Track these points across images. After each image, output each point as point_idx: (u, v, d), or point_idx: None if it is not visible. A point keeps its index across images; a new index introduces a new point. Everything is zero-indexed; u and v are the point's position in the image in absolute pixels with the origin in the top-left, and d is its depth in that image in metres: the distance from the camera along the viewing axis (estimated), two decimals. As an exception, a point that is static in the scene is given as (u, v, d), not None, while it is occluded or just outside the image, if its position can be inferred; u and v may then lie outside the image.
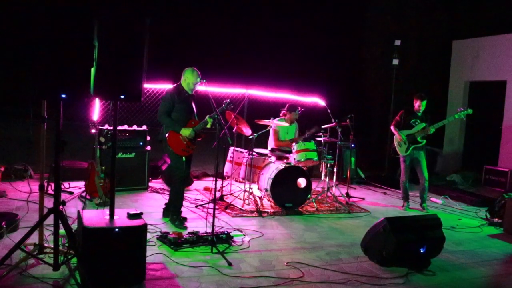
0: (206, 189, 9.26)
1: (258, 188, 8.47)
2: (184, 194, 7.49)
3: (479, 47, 12.54)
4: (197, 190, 9.19)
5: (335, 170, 8.91)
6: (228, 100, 6.83)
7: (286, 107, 9.09)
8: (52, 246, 4.75)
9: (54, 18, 4.24)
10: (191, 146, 6.67)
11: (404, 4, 14.77)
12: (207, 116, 6.64)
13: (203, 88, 6.72)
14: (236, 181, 9.30)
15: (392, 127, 8.72)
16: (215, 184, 6.03)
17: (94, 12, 4.39)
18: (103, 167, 7.56)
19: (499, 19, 13.17)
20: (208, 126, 6.68)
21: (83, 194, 7.81)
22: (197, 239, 5.83)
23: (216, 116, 6.30)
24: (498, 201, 8.20)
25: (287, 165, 8.01)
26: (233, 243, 6.03)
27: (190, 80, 6.66)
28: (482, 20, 13.75)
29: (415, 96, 8.56)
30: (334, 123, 8.77)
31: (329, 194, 8.74)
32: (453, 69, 13.42)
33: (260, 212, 7.68)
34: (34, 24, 4.28)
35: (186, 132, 6.56)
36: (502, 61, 11.85)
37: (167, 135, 6.57)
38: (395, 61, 11.86)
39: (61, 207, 4.55)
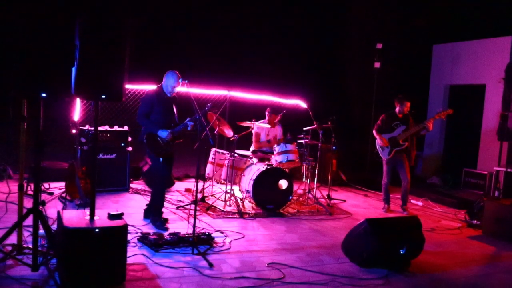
0: (187, 190, 9.24)
1: (240, 190, 8.48)
2: (166, 196, 7.47)
3: (459, 52, 12.68)
4: (179, 191, 9.16)
5: (316, 172, 8.94)
6: (211, 103, 6.85)
7: (268, 109, 9.13)
8: (31, 246, 4.71)
9: (36, 16, 4.21)
10: (169, 148, 6.65)
11: (385, 8, 14.88)
12: (188, 118, 6.64)
13: (184, 89, 6.70)
14: (218, 182, 9.29)
15: (374, 132, 8.76)
16: (197, 186, 6.02)
17: (76, 11, 4.37)
18: (84, 168, 7.50)
19: (478, 25, 13.32)
20: (189, 128, 6.67)
21: (64, 195, 7.75)
22: (178, 240, 5.81)
23: (197, 117, 6.28)
24: (477, 203, 8.30)
25: (268, 167, 8.03)
26: (214, 244, 6.03)
27: (169, 83, 6.68)
28: (462, 25, 13.89)
29: (397, 99, 8.60)
30: (315, 125, 8.81)
31: (310, 196, 8.77)
32: (433, 73, 13.54)
33: (241, 214, 7.68)
34: (15, 22, 4.24)
35: (163, 133, 6.55)
36: (481, 66, 11.98)
37: (145, 136, 6.57)
38: (376, 64, 11.95)
39: (40, 207, 4.52)
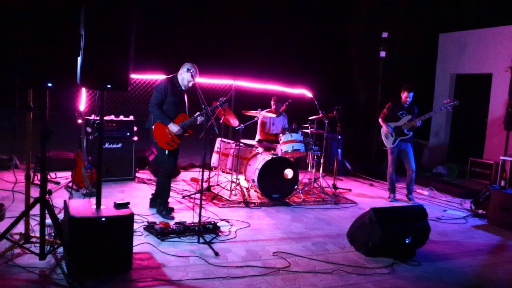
0: (193, 179, 9.26)
1: (245, 179, 8.49)
2: (172, 185, 7.48)
3: (465, 41, 12.61)
4: (184, 181, 9.18)
5: (322, 161, 8.94)
6: (223, 98, 6.81)
7: (274, 98, 9.12)
8: (38, 235, 4.74)
9: (40, 5, 4.21)
10: (176, 141, 6.60)
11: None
12: (198, 113, 6.59)
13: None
14: (223, 172, 9.29)
15: (380, 120, 8.74)
16: (202, 175, 6.03)
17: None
18: (90, 157, 7.53)
19: (485, 13, 13.24)
20: (198, 122, 6.62)
21: (70, 185, 7.78)
22: (184, 229, 5.83)
23: (204, 106, 6.25)
24: (483, 193, 8.28)
25: (274, 156, 8.03)
26: (220, 234, 6.05)
27: (186, 76, 6.58)
28: (469, 14, 13.82)
29: (403, 87, 8.59)
30: (321, 115, 8.79)
31: (315, 185, 8.78)
32: (440, 62, 13.47)
33: (247, 203, 7.69)
34: (20, 11, 4.24)
35: (174, 128, 6.49)
36: (487, 54, 11.92)
37: (153, 126, 6.52)
38: (382, 54, 11.89)
39: (47, 196, 4.54)
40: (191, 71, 6.51)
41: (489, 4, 13.32)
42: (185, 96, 6.78)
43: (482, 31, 12.17)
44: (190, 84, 6.65)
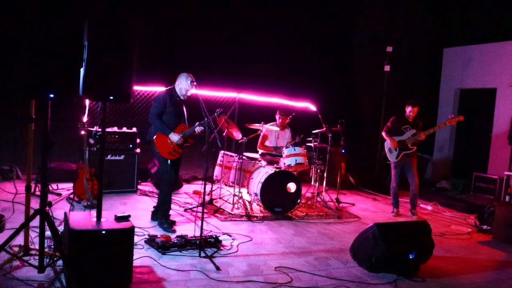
0: (195, 192, 9.21)
1: (248, 192, 8.44)
2: (174, 198, 7.43)
3: (470, 55, 12.58)
4: (187, 194, 9.13)
5: (325, 175, 8.89)
6: (220, 109, 6.80)
7: (278, 111, 9.08)
8: (37, 248, 4.69)
9: (44, 16, 4.20)
10: (177, 150, 6.60)
11: (396, 11, 14.83)
12: (197, 123, 6.61)
13: (193, 91, 6.69)
14: (226, 185, 9.25)
15: (383, 133, 8.71)
16: (204, 188, 5.98)
17: (84, 11, 4.35)
18: (93, 169, 7.50)
19: (489, 28, 13.23)
20: (197, 132, 6.64)
21: (71, 196, 7.74)
22: (185, 243, 5.78)
23: (206, 119, 6.26)
24: (487, 208, 8.21)
25: (277, 170, 7.99)
26: (221, 247, 5.99)
27: (183, 85, 6.63)
28: (473, 29, 13.81)
29: (408, 102, 8.56)
30: (324, 128, 8.76)
31: (318, 199, 8.71)
32: (444, 77, 13.46)
33: (249, 217, 7.64)
34: (23, 22, 4.23)
35: (174, 137, 6.51)
36: (492, 69, 11.89)
37: (154, 137, 6.53)
38: (387, 68, 11.88)
39: (47, 208, 4.50)
40: (194, 83, 6.52)
41: (493, 19, 13.31)
42: (184, 107, 6.79)
43: (487, 46, 12.16)
44: (189, 93, 6.72)
